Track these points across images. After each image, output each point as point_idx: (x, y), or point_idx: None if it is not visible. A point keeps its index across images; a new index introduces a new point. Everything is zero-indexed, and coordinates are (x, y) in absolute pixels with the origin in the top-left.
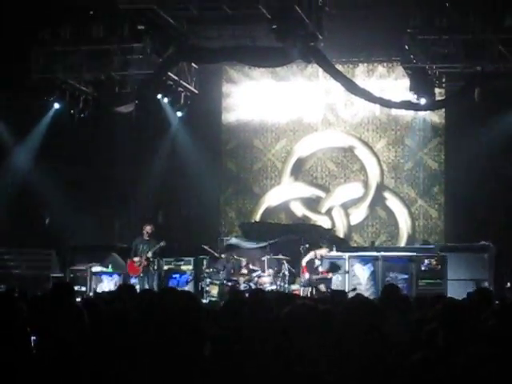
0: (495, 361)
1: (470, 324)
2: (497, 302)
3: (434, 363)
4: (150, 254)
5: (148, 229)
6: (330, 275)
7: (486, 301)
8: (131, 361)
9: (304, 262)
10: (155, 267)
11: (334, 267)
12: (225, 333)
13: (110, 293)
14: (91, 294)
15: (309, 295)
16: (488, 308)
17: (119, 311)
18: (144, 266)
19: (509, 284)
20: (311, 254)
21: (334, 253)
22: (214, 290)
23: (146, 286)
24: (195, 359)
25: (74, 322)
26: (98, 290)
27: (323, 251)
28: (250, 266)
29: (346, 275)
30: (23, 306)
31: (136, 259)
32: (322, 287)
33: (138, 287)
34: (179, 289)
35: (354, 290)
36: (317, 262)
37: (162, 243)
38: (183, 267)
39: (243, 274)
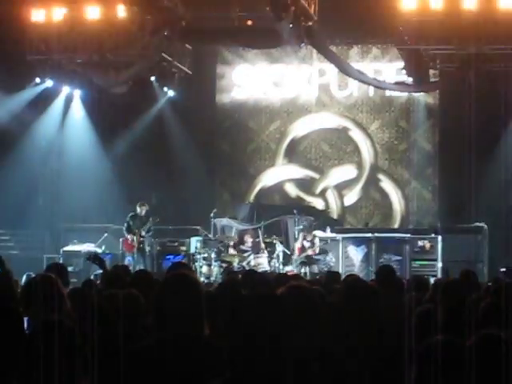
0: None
1: (466, 305)
2: (489, 283)
3: (444, 346)
4: (143, 233)
5: (142, 208)
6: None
7: (473, 282)
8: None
9: (298, 243)
10: (147, 247)
11: (323, 251)
12: (222, 313)
13: (106, 274)
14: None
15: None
16: (474, 289)
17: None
18: (139, 242)
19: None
20: (301, 237)
21: (329, 234)
22: (208, 271)
23: (142, 266)
24: (196, 338)
25: (61, 304)
26: (92, 270)
27: (310, 237)
28: (242, 247)
29: (340, 257)
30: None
31: (129, 236)
32: (315, 268)
33: (131, 267)
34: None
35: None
36: (306, 244)
37: (152, 218)
38: (177, 248)
39: (236, 255)
